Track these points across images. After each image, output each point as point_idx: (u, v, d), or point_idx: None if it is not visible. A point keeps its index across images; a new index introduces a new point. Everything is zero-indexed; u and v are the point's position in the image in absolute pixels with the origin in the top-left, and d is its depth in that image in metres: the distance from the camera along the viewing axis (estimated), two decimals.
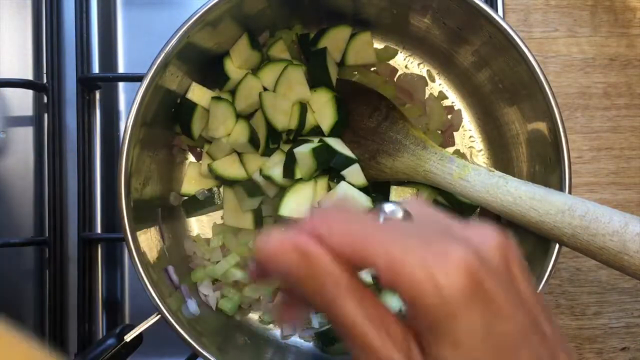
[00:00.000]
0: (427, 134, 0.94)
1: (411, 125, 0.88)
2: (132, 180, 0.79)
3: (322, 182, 0.89)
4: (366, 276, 0.89)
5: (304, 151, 0.84)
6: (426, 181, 0.84)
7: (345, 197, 0.85)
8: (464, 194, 0.80)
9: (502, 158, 0.93)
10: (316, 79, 0.90)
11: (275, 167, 0.88)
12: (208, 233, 0.96)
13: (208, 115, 0.89)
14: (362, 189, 0.87)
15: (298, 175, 0.86)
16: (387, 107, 0.90)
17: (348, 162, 0.86)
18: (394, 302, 0.90)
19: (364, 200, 0.86)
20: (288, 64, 0.89)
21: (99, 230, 0.98)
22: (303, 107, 0.89)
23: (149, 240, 0.84)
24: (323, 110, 0.89)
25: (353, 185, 0.87)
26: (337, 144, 0.87)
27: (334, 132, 0.89)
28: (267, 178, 0.88)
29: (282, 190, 0.89)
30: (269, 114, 0.88)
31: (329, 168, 0.88)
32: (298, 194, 0.87)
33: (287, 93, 0.89)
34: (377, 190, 0.89)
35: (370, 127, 0.89)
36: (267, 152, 0.91)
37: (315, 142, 0.86)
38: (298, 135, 0.90)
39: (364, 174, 0.88)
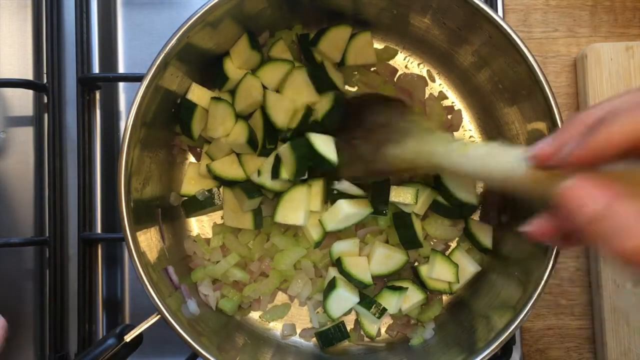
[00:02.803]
0: None
1: (425, 119, 0.88)
2: (132, 180, 0.79)
3: (317, 187, 0.89)
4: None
5: (284, 146, 0.85)
6: (428, 164, 0.81)
7: (345, 215, 0.87)
8: (463, 169, 0.77)
9: None
10: (322, 86, 0.92)
11: (269, 173, 0.89)
12: (208, 233, 0.96)
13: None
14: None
15: (284, 175, 0.86)
16: (404, 107, 0.89)
17: (325, 162, 0.85)
18: (392, 302, 0.90)
19: (363, 208, 0.87)
20: (292, 67, 0.90)
21: (99, 230, 0.98)
22: (308, 109, 0.90)
23: (149, 240, 0.84)
24: (321, 102, 0.91)
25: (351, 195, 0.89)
26: (322, 142, 0.86)
27: (328, 119, 0.90)
28: (261, 186, 0.89)
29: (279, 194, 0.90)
30: (271, 111, 0.88)
31: (324, 173, 0.89)
32: (292, 200, 0.88)
33: (295, 97, 0.90)
34: (377, 192, 0.89)
35: (381, 122, 0.89)
36: (264, 152, 0.91)
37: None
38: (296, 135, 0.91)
39: (367, 171, 0.87)
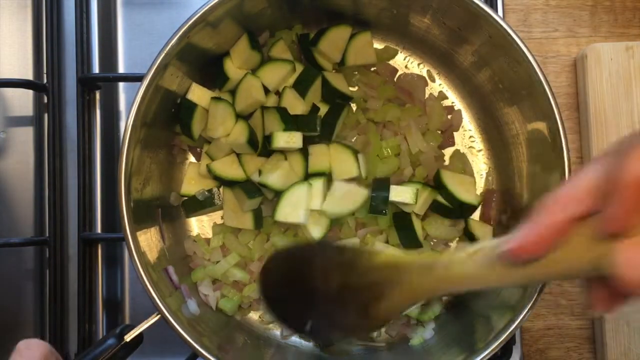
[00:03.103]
0: (427, 134, 0.94)
1: (369, 253, 0.66)
2: (132, 180, 0.79)
3: (317, 186, 0.89)
4: None
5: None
6: (432, 295, 0.74)
7: (341, 194, 0.86)
8: (467, 281, 0.59)
9: (502, 158, 0.93)
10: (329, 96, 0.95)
11: (270, 173, 0.88)
12: (208, 233, 0.96)
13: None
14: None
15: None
16: (331, 260, 0.66)
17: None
18: None
19: (360, 189, 0.88)
20: (293, 67, 0.91)
21: (99, 230, 0.98)
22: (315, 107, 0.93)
23: (149, 240, 0.84)
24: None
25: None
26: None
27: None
28: (263, 185, 0.88)
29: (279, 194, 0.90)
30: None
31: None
32: (293, 199, 0.88)
33: (313, 99, 0.92)
34: (377, 189, 0.89)
35: (335, 292, 0.65)
36: (264, 152, 0.91)
37: None
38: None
39: (363, 335, 0.74)
